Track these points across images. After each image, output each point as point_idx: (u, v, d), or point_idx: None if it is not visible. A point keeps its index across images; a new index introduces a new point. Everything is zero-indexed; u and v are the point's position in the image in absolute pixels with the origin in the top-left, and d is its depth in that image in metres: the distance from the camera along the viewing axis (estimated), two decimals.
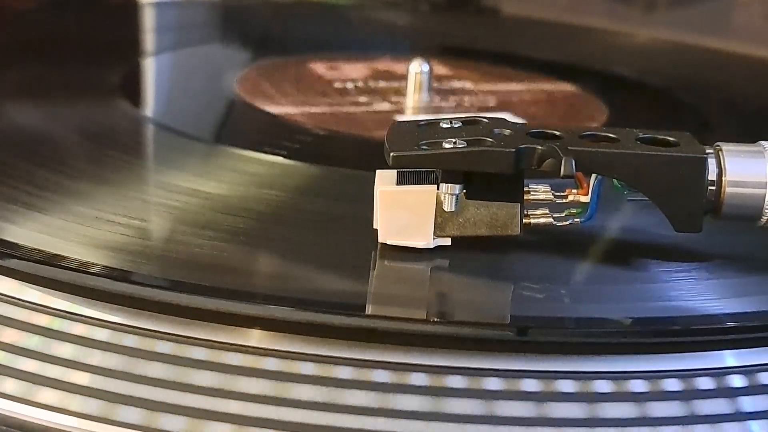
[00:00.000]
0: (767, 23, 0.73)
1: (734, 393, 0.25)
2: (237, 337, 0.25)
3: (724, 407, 0.25)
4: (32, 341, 0.26)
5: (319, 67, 0.51)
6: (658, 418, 0.24)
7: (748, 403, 0.25)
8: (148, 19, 0.63)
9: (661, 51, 0.66)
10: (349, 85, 0.49)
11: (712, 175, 0.28)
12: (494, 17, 0.75)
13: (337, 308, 0.26)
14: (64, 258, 0.27)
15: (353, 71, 0.51)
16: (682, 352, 0.26)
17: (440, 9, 0.75)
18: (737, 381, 0.25)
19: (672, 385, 0.25)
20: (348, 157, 0.40)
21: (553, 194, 0.29)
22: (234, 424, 0.23)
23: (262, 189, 0.35)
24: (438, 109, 0.46)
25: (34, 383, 0.25)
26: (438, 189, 0.29)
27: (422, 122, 0.30)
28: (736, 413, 0.25)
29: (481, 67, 0.54)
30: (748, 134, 0.31)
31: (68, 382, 0.24)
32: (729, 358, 0.26)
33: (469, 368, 0.25)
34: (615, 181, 0.29)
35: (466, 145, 0.28)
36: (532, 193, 0.29)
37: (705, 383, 0.25)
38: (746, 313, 0.28)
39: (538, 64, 0.56)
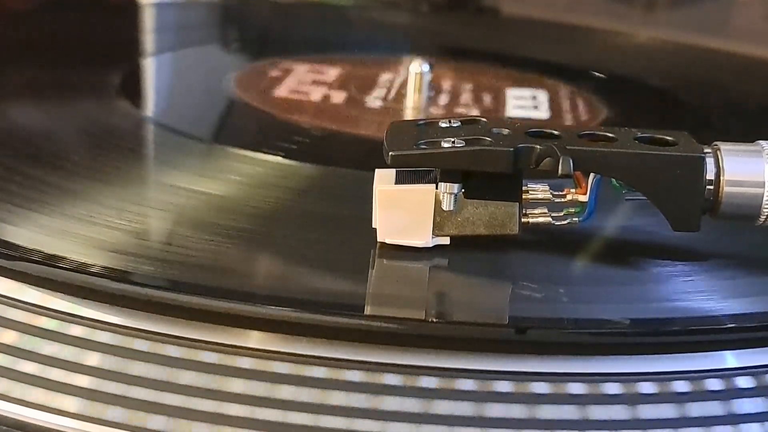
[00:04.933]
0: (767, 23, 0.73)
1: (736, 393, 0.25)
2: (236, 338, 0.25)
3: (725, 408, 0.25)
4: (31, 342, 0.26)
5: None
6: (661, 419, 0.24)
7: (748, 404, 0.25)
8: (148, 19, 0.63)
9: (661, 51, 0.66)
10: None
11: (710, 175, 0.28)
12: (494, 17, 0.75)
13: (334, 308, 0.26)
14: (64, 258, 0.27)
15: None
16: (681, 353, 0.26)
17: (440, 9, 0.75)
18: (739, 382, 0.25)
19: (673, 386, 0.25)
20: (348, 157, 0.40)
21: (551, 193, 0.29)
22: (235, 426, 0.24)
23: (262, 189, 0.35)
24: (437, 110, 0.46)
25: (33, 384, 0.25)
26: (437, 188, 0.29)
27: (421, 122, 0.30)
28: (738, 414, 0.25)
29: (480, 67, 0.54)
30: (748, 134, 0.31)
31: (68, 383, 0.25)
32: (730, 358, 0.26)
33: (467, 369, 0.25)
34: (613, 180, 0.29)
35: (464, 144, 0.28)
36: (530, 192, 0.29)
37: (706, 384, 0.25)
38: (747, 313, 0.28)
39: (539, 64, 0.56)
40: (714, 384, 0.25)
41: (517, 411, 0.24)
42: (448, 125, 0.30)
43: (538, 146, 0.28)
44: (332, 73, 0.51)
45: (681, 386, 0.25)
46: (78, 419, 0.24)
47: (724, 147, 0.29)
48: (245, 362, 0.25)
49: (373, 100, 0.47)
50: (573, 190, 0.30)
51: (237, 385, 0.24)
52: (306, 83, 0.49)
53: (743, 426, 0.24)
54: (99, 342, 0.25)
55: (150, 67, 0.52)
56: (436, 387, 0.24)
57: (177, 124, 0.41)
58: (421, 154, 0.28)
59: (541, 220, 0.30)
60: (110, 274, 0.27)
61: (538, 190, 0.29)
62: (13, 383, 0.25)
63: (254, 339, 0.25)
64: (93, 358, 0.25)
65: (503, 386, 0.25)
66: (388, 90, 0.48)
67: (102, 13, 0.62)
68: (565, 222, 0.30)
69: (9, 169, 0.34)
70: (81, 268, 0.27)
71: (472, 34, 0.67)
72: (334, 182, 0.36)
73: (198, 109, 0.46)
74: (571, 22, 0.71)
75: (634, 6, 0.78)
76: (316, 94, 0.47)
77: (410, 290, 0.28)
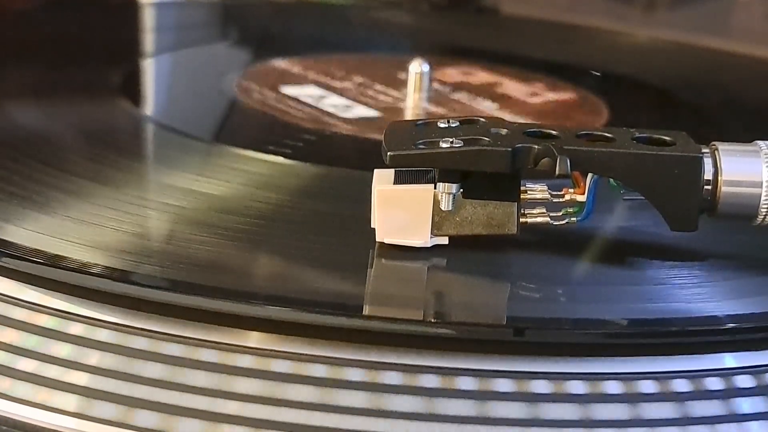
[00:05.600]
0: (767, 23, 0.73)
1: (734, 394, 0.25)
2: (236, 338, 0.25)
3: (725, 408, 0.25)
4: (32, 341, 0.26)
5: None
6: (656, 419, 0.24)
7: (747, 405, 0.25)
8: (149, 19, 0.63)
9: (661, 51, 0.66)
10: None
11: (708, 175, 0.28)
12: (494, 17, 0.75)
13: (332, 308, 0.26)
14: (64, 258, 0.27)
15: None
16: (680, 353, 0.26)
17: (440, 9, 0.76)
18: (738, 381, 0.25)
19: (672, 385, 0.25)
20: (348, 157, 0.41)
21: (549, 193, 0.29)
22: (234, 425, 0.24)
23: (262, 189, 0.35)
24: (437, 110, 0.46)
25: (33, 383, 0.25)
26: (435, 188, 0.29)
27: (419, 122, 0.30)
28: (736, 414, 0.25)
29: (481, 67, 0.54)
30: (748, 134, 0.31)
31: (67, 383, 0.25)
32: (729, 358, 0.26)
33: (465, 368, 0.25)
34: (612, 180, 0.29)
35: (462, 144, 0.28)
36: (529, 192, 0.29)
37: (705, 384, 0.25)
38: (747, 313, 0.28)
39: (538, 64, 0.56)
40: (713, 384, 0.25)
41: (516, 410, 0.24)
42: (446, 125, 0.30)
43: (536, 146, 0.28)
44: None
45: (680, 386, 0.25)
46: (77, 418, 0.24)
47: (722, 147, 0.29)
48: (245, 361, 0.25)
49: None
50: (571, 190, 0.30)
51: (237, 384, 0.24)
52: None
53: (743, 425, 0.24)
54: (98, 341, 0.25)
55: (150, 67, 0.52)
56: (435, 386, 0.24)
57: (177, 124, 0.41)
58: (419, 154, 0.28)
59: (539, 220, 0.30)
60: (110, 273, 0.27)
61: (537, 190, 0.30)
62: (13, 382, 0.25)
63: (254, 338, 0.25)
64: (93, 357, 0.25)
65: (502, 385, 0.25)
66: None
67: (102, 13, 0.62)
68: (563, 222, 0.30)
69: (9, 169, 0.34)
70: (81, 268, 0.27)
71: (472, 34, 0.67)
72: (333, 182, 0.36)
73: (198, 109, 0.46)
74: (571, 22, 0.71)
75: (634, 6, 0.78)
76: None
77: (409, 290, 0.28)
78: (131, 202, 0.32)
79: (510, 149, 0.28)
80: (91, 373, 0.25)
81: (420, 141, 0.28)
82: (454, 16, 0.74)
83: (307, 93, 0.47)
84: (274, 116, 0.43)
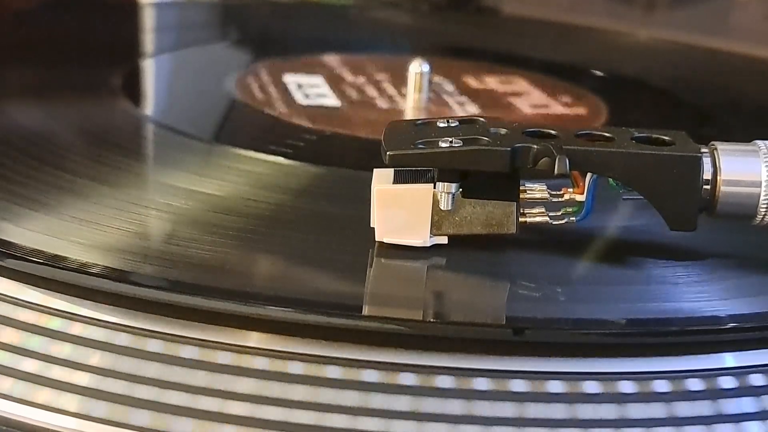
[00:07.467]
0: (767, 23, 0.73)
1: (735, 393, 0.25)
2: (236, 338, 0.25)
3: (724, 407, 0.25)
4: (32, 341, 0.26)
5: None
6: (660, 419, 0.24)
7: (747, 404, 0.25)
8: (148, 19, 0.63)
9: (661, 51, 0.66)
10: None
11: (707, 174, 0.28)
12: (494, 17, 0.75)
13: (332, 308, 0.26)
14: (64, 258, 0.27)
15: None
16: (681, 354, 0.26)
17: (440, 9, 0.76)
18: (738, 381, 0.25)
19: (688, 385, 0.25)
20: (348, 157, 0.41)
21: (549, 193, 0.30)
22: (232, 425, 0.24)
23: (262, 189, 0.35)
24: (436, 109, 0.46)
25: (34, 383, 0.25)
26: (434, 188, 0.29)
27: (419, 121, 0.30)
28: (732, 415, 0.25)
29: (481, 67, 0.54)
30: (747, 134, 0.31)
31: (68, 383, 0.25)
32: (729, 358, 0.26)
33: (466, 369, 0.25)
34: (611, 179, 0.29)
35: (461, 144, 0.28)
36: (528, 191, 0.29)
37: (706, 384, 0.25)
38: (746, 314, 0.28)
39: (538, 64, 0.56)
40: (714, 384, 0.25)
41: (517, 410, 0.24)
42: (446, 125, 0.30)
43: (535, 146, 0.28)
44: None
45: (684, 385, 0.25)
46: (78, 419, 0.24)
47: (721, 147, 0.29)
48: (245, 361, 0.25)
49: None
50: (570, 190, 0.30)
51: (237, 384, 0.24)
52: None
53: (744, 425, 0.24)
54: (99, 341, 0.25)
55: (150, 67, 0.52)
56: (435, 386, 0.24)
57: (177, 124, 0.41)
58: (418, 153, 0.28)
59: (538, 219, 0.30)
60: (110, 274, 0.27)
61: (536, 190, 0.30)
62: (14, 382, 0.25)
63: (253, 338, 0.25)
64: (93, 357, 0.25)
65: (503, 385, 0.25)
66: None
67: (102, 13, 0.62)
68: (562, 221, 0.30)
69: (9, 169, 0.34)
70: (81, 268, 0.27)
71: (472, 34, 0.67)
72: (333, 182, 0.36)
73: (198, 109, 0.46)
74: (571, 22, 0.71)
75: (634, 6, 0.78)
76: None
77: (408, 290, 0.28)
78: (131, 202, 0.32)
79: (509, 149, 0.28)
80: (92, 373, 0.25)
81: (419, 141, 0.28)
82: (454, 16, 0.74)
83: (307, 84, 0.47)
84: (274, 116, 0.43)
